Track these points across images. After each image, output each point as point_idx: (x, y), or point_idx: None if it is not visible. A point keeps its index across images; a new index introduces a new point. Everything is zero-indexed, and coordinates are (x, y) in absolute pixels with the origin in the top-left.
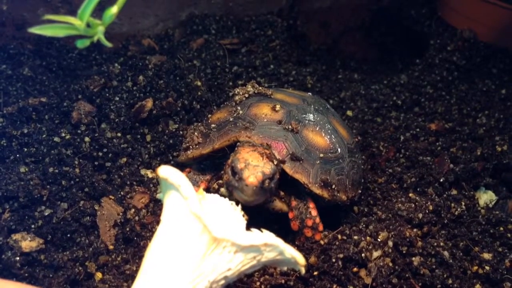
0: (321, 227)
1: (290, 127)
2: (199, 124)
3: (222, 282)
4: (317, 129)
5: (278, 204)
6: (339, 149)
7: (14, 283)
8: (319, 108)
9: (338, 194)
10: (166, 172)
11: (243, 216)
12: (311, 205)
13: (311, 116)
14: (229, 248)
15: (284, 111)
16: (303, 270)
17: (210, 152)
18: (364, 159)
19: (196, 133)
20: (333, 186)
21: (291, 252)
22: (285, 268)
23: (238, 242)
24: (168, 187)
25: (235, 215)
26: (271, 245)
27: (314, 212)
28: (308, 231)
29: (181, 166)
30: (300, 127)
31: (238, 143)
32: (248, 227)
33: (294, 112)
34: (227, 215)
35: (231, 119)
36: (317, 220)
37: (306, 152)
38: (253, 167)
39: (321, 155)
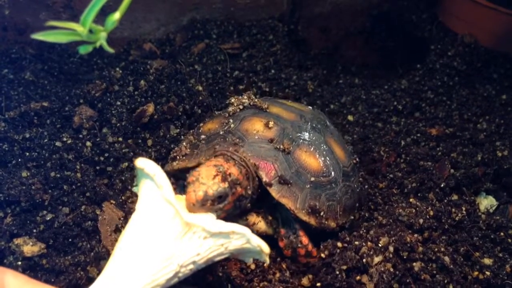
0: (314, 253)
1: (281, 146)
2: (191, 131)
3: (191, 266)
4: (311, 149)
5: (263, 227)
6: (332, 173)
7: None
8: (316, 126)
9: (326, 222)
10: (142, 163)
11: None
12: (301, 233)
13: (306, 135)
14: (199, 233)
15: (278, 128)
16: (267, 260)
17: (196, 167)
18: (363, 175)
19: (184, 143)
20: (322, 213)
21: (257, 241)
22: (251, 260)
23: (207, 228)
24: (144, 176)
25: None
26: (238, 233)
27: (305, 240)
28: (303, 259)
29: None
30: (293, 147)
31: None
32: None
33: (289, 129)
34: None
35: (221, 132)
36: (309, 247)
37: (296, 175)
38: (199, 184)
39: (312, 178)
